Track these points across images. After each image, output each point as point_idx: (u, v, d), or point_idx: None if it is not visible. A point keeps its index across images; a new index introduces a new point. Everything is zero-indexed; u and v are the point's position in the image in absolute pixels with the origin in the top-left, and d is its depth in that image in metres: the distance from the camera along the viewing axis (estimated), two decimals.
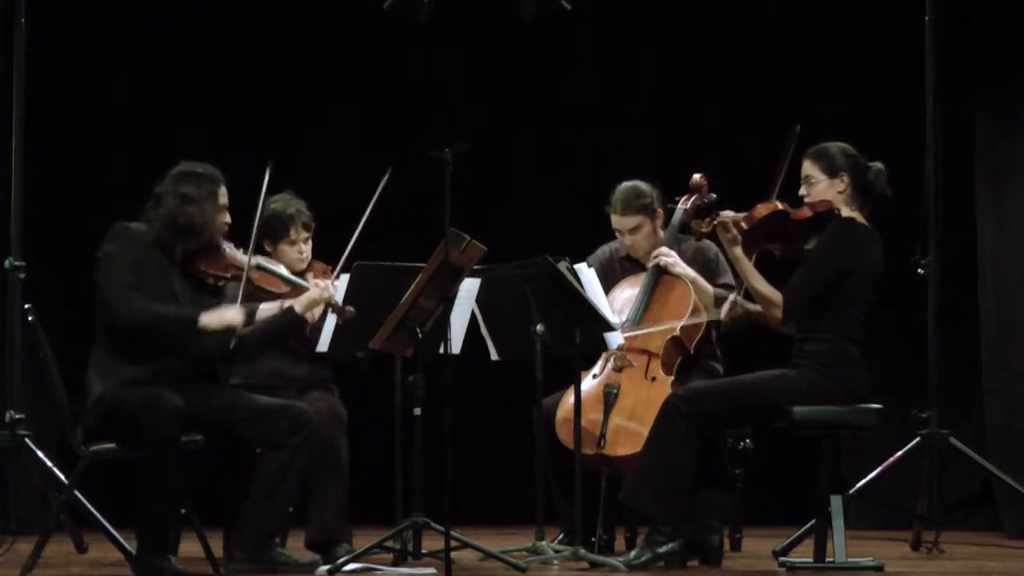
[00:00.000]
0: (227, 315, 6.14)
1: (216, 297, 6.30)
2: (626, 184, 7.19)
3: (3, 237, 6.99)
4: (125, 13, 9.09)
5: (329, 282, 6.42)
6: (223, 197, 6.28)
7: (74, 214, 8.82)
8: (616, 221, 7.18)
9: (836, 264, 6.29)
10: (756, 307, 6.47)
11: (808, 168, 6.41)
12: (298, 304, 6.34)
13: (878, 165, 6.42)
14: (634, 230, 7.15)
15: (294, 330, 6.45)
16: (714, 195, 6.97)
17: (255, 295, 6.37)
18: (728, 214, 6.43)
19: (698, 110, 9.38)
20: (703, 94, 9.38)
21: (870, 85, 8.96)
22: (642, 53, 9.50)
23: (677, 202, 7.01)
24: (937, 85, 7.54)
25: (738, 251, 6.36)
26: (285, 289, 6.40)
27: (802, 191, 6.42)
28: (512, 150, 9.56)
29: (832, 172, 6.38)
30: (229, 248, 6.32)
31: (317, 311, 6.44)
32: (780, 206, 6.37)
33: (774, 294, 6.32)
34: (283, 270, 6.49)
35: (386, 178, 6.57)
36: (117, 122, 9.20)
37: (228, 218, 6.30)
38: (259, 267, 6.37)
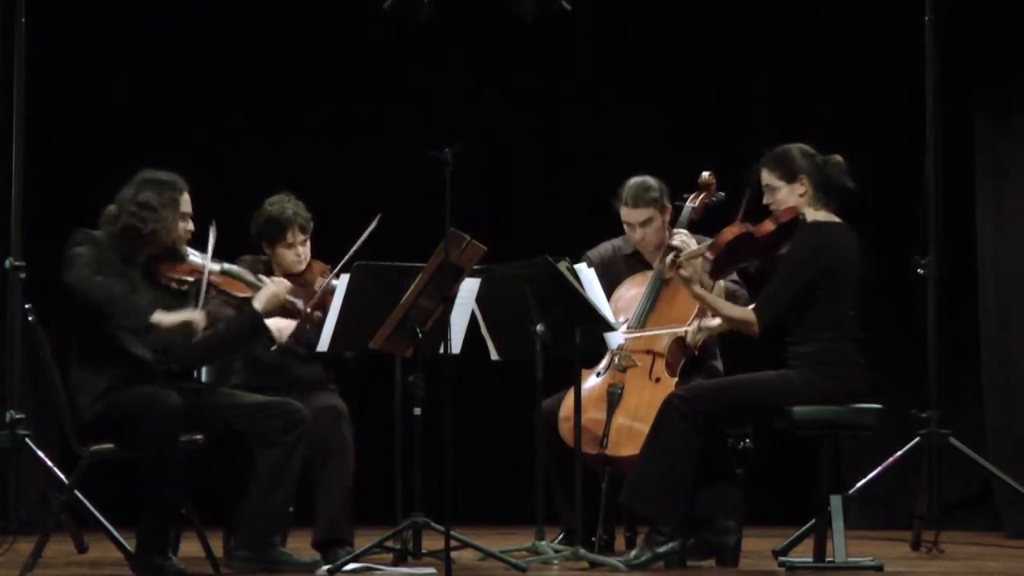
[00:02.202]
0: (183, 314, 6.13)
1: (179, 301, 6.28)
2: (635, 179, 7.20)
3: (3, 237, 6.99)
4: (125, 13, 9.08)
5: (284, 280, 6.46)
6: (185, 205, 6.29)
7: (74, 214, 8.80)
8: (626, 214, 7.18)
9: (808, 272, 6.27)
10: (715, 322, 6.54)
11: (766, 177, 6.41)
12: (256, 300, 6.35)
13: (835, 157, 6.40)
14: (645, 223, 7.16)
15: (256, 332, 6.41)
16: (722, 193, 6.98)
17: (218, 299, 6.39)
18: (689, 251, 6.45)
19: (698, 110, 9.37)
20: (703, 94, 9.37)
21: (870, 85, 8.95)
22: (642, 53, 9.50)
23: (685, 200, 7.02)
24: (937, 85, 7.54)
25: (697, 289, 6.37)
26: (249, 293, 6.40)
27: (765, 200, 6.42)
28: (512, 150, 9.56)
29: (790, 177, 6.37)
30: (192, 254, 6.32)
31: (286, 330, 6.46)
32: (742, 228, 6.35)
33: (746, 314, 6.34)
34: (246, 274, 6.47)
35: (374, 224, 6.53)
36: (117, 122, 9.19)
37: (190, 225, 6.31)
38: (222, 271, 6.38)
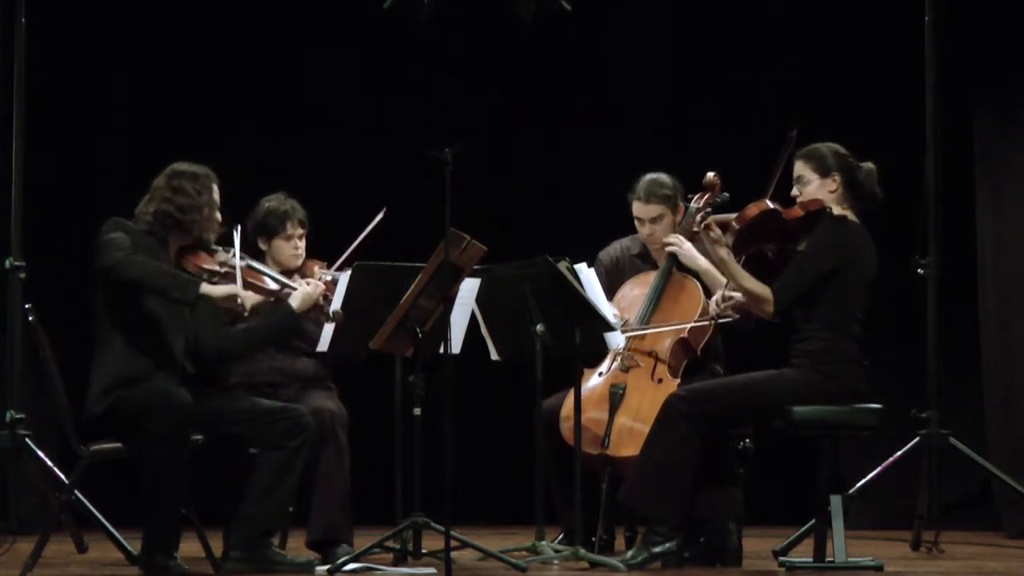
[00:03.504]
0: (229, 287, 6.17)
1: None
2: (651, 175, 7.21)
3: (3, 237, 6.99)
4: (125, 13, 9.09)
5: (319, 281, 6.46)
6: (216, 195, 6.31)
7: (74, 214, 8.82)
8: (638, 209, 7.18)
9: (828, 262, 6.29)
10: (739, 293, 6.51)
11: (800, 168, 6.43)
12: (294, 300, 6.39)
13: (869, 165, 6.43)
14: (655, 219, 7.16)
15: (290, 329, 6.52)
16: (727, 194, 6.98)
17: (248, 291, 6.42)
18: (717, 216, 6.46)
19: (698, 110, 9.37)
20: (703, 94, 9.38)
21: (870, 85, 8.95)
22: (642, 53, 9.50)
23: (690, 200, 7.02)
24: (937, 85, 7.54)
25: (723, 252, 6.37)
26: (275, 287, 6.41)
27: (794, 191, 6.44)
28: (512, 150, 9.56)
29: (824, 172, 6.39)
30: (220, 249, 6.34)
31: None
32: (771, 205, 6.37)
33: (763, 290, 6.33)
34: (273, 271, 6.52)
35: (379, 217, 6.56)
36: (117, 122, 9.19)
37: (219, 217, 6.33)
38: (249, 266, 6.39)
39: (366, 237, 6.62)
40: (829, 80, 9.04)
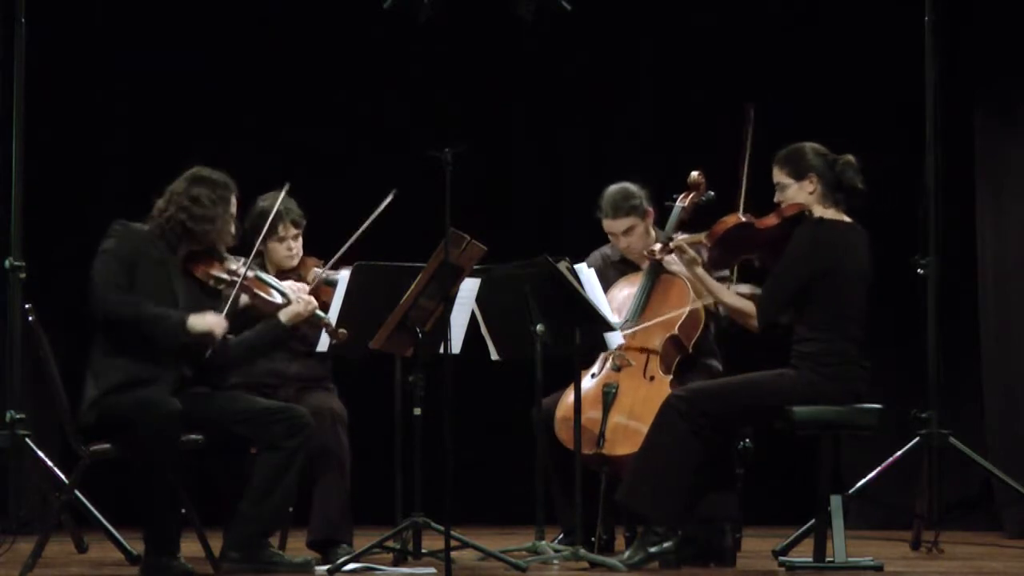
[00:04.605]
0: (210, 320, 6.14)
1: (214, 299, 6.31)
2: (613, 187, 7.21)
3: (3, 237, 6.99)
4: (125, 12, 9.08)
5: (313, 300, 6.40)
6: (233, 207, 6.30)
7: (74, 214, 8.82)
8: (608, 225, 7.19)
9: (806, 266, 6.27)
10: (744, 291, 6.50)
11: (777, 174, 6.42)
12: (283, 315, 6.36)
13: (846, 157, 6.40)
14: (627, 232, 7.16)
15: (278, 341, 6.48)
16: (712, 193, 6.98)
17: (251, 302, 6.39)
18: (685, 237, 6.46)
19: (699, 110, 9.37)
20: (704, 94, 9.37)
21: (870, 85, 8.95)
22: (642, 53, 9.50)
23: (675, 200, 7.02)
24: (937, 85, 7.54)
25: (699, 271, 6.38)
26: (277, 299, 6.38)
27: (777, 197, 6.43)
28: (512, 150, 9.56)
29: (799, 175, 6.38)
30: (230, 257, 6.33)
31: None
32: (742, 218, 6.35)
33: (747, 305, 6.33)
34: (277, 283, 6.48)
35: (389, 199, 6.55)
36: (117, 122, 9.19)
37: (234, 229, 6.32)
38: (256, 277, 6.38)
39: (372, 227, 6.59)
40: (829, 80, 9.03)
